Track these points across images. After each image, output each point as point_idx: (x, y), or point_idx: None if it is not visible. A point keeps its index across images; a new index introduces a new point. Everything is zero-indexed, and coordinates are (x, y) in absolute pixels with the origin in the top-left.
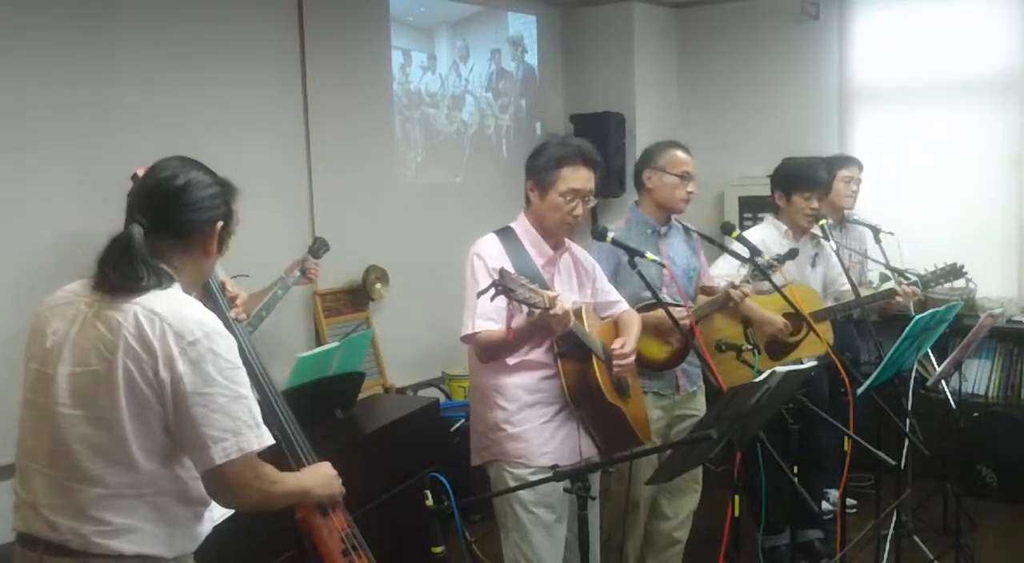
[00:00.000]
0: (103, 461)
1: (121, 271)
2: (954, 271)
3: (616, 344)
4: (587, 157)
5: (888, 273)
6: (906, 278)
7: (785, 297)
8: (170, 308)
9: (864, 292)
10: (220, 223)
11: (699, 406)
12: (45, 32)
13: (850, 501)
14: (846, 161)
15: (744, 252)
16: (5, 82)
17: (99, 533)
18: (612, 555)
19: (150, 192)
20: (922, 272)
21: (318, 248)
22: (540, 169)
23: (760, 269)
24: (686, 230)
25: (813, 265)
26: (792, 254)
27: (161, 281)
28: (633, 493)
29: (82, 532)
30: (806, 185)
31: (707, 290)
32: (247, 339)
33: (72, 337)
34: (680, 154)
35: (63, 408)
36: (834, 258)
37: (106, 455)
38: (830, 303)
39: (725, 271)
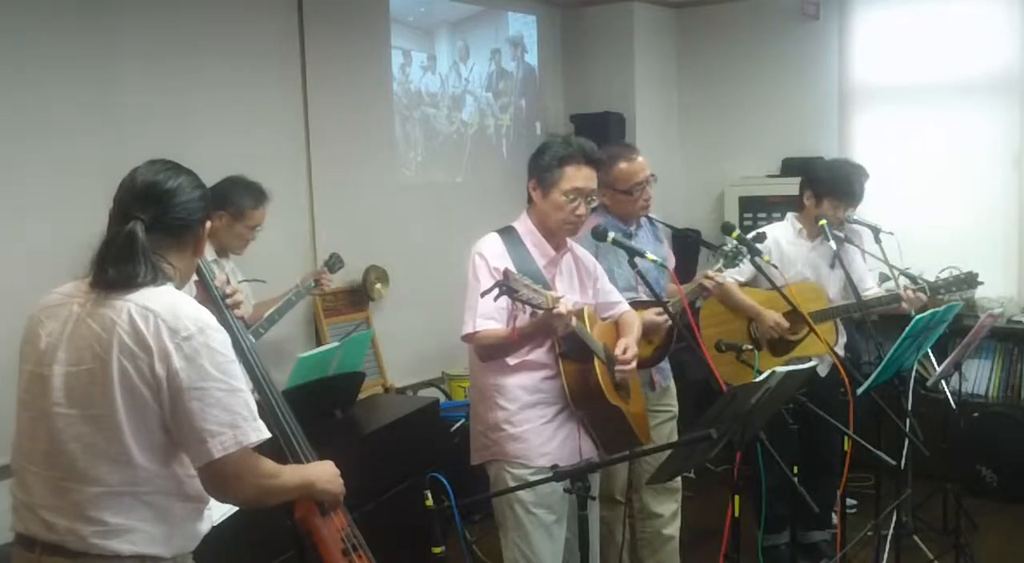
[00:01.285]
0: (100, 460)
1: (120, 267)
2: (969, 280)
3: (618, 350)
4: (590, 156)
5: (888, 273)
6: (915, 282)
7: (784, 296)
8: (164, 304)
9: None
10: (209, 223)
11: (672, 402)
12: (45, 32)
13: (850, 501)
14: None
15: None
16: (4, 82)
17: (97, 533)
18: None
19: (145, 192)
20: (932, 279)
21: (333, 263)
22: (543, 168)
23: (760, 269)
24: (650, 221)
25: (832, 266)
26: (760, 238)
27: (157, 277)
28: (610, 489)
29: (80, 533)
30: (841, 196)
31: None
32: (246, 338)
33: (66, 337)
34: (623, 167)
35: (59, 408)
36: (858, 261)
37: (103, 454)
38: (833, 304)
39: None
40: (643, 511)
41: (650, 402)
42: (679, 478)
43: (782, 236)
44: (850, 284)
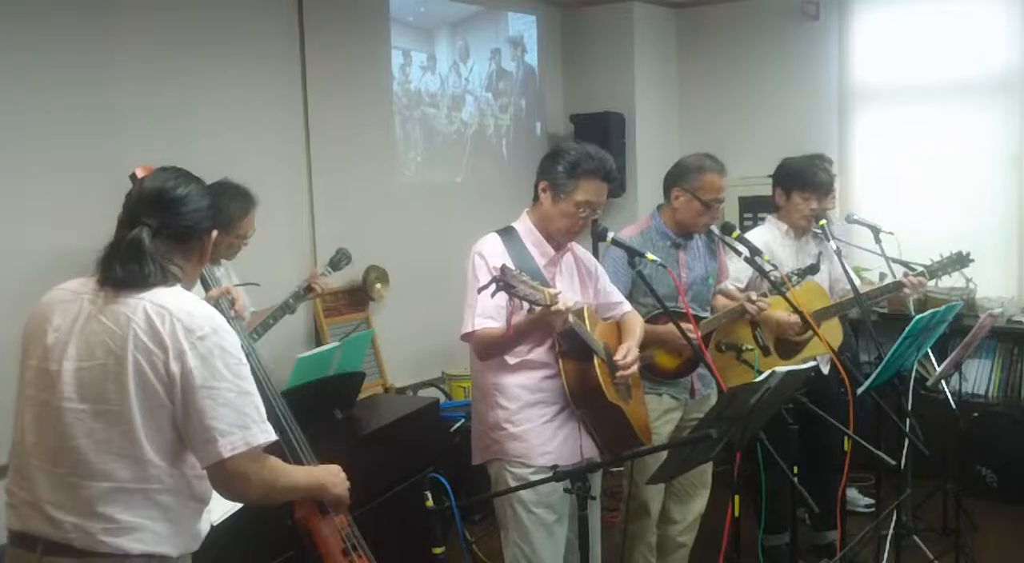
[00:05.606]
0: (111, 455)
1: (128, 267)
2: (960, 259)
3: (619, 355)
4: (609, 174)
5: (888, 272)
6: (912, 269)
7: (786, 298)
8: (178, 303)
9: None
10: (215, 231)
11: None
12: (44, 33)
13: (867, 500)
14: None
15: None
16: (3, 82)
17: (106, 531)
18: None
19: (155, 198)
20: (927, 262)
21: (339, 259)
22: (560, 173)
23: (761, 271)
24: (709, 235)
25: (820, 264)
26: (813, 269)
27: (167, 278)
28: (644, 499)
29: (89, 530)
30: (806, 185)
31: (726, 293)
32: (247, 339)
33: (76, 333)
34: (715, 179)
35: (69, 403)
36: (836, 261)
37: (114, 449)
38: (836, 301)
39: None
40: (662, 515)
41: (688, 410)
42: (708, 489)
43: (770, 239)
44: (849, 280)
